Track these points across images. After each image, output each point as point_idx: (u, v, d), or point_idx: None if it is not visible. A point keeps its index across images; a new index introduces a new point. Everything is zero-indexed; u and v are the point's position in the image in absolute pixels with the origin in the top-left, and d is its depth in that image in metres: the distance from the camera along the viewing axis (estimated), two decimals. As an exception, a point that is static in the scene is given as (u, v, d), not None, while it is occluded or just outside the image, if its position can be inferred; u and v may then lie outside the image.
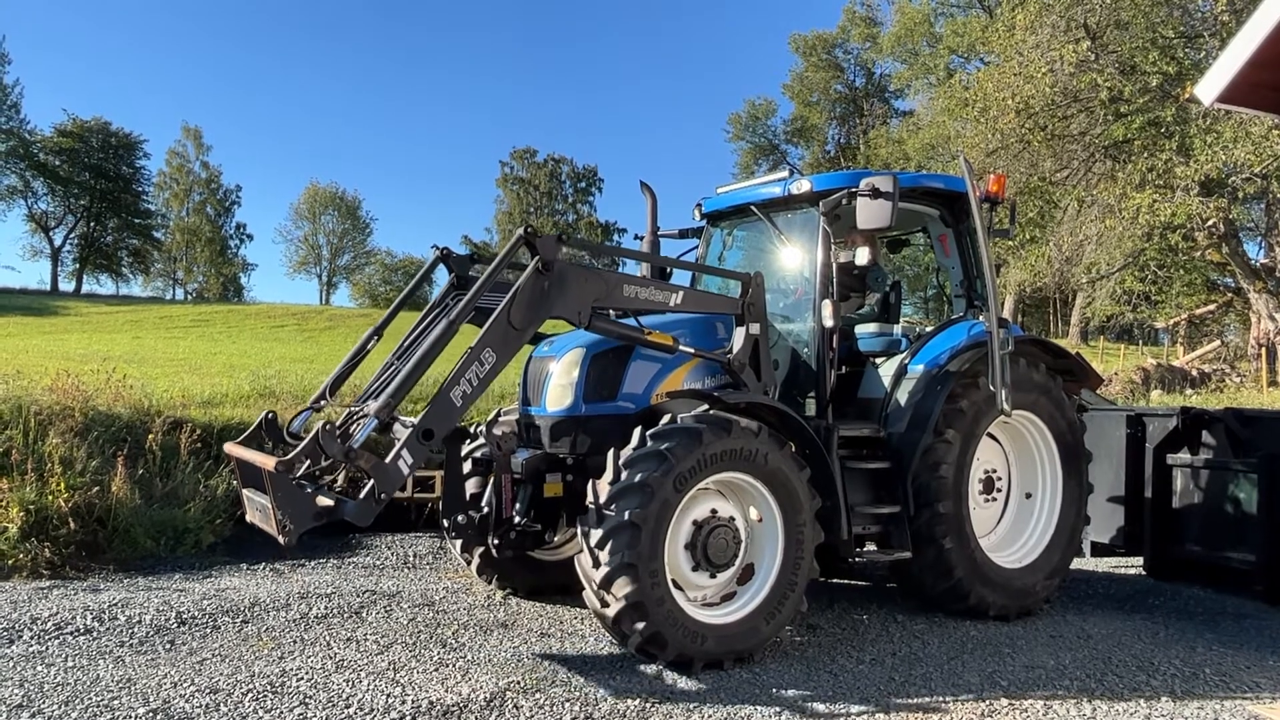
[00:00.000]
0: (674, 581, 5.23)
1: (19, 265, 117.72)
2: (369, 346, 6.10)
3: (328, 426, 4.76)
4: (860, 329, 6.98)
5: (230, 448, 5.47)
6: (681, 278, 7.15)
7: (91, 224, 68.06)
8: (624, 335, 5.81)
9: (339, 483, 5.37)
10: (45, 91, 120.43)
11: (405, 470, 4.91)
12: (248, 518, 5.31)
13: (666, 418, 5.42)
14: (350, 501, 4.86)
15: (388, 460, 4.87)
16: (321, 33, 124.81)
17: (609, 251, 5.59)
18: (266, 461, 4.75)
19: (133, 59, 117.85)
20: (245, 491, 5.29)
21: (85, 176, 66.23)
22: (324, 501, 4.85)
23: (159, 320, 35.60)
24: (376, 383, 5.69)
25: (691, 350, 6.00)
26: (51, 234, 67.18)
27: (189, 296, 73.34)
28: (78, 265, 68.44)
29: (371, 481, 4.82)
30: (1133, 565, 8.61)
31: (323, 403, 5.88)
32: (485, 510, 5.81)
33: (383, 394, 5.19)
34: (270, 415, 5.55)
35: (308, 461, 4.83)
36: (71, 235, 68.28)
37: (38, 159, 64.02)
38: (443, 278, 6.32)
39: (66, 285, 65.52)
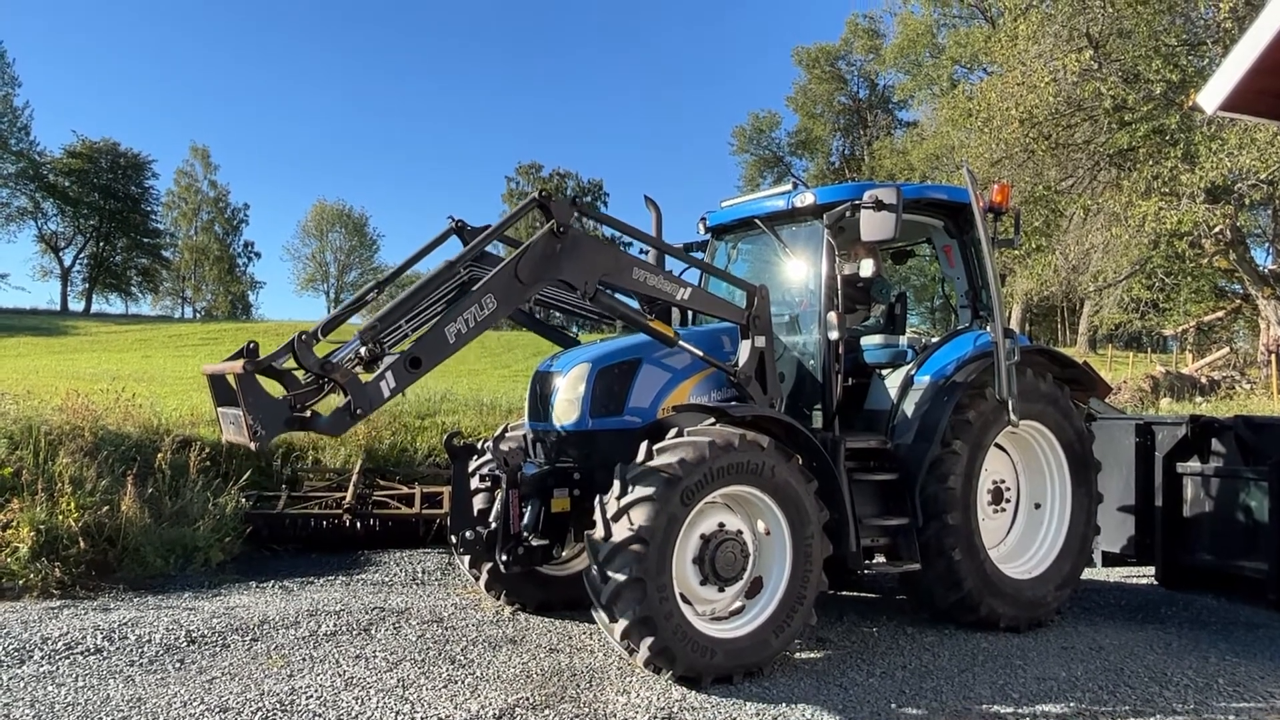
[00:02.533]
0: (682, 596, 5.22)
1: (29, 285, 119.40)
2: (368, 298, 6.08)
3: (303, 337, 4.66)
4: (866, 340, 6.98)
5: (205, 366, 5.30)
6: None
7: (101, 244, 68.69)
8: (624, 315, 5.82)
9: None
10: (55, 113, 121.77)
11: (386, 393, 4.83)
12: (224, 437, 5.11)
13: (673, 431, 5.41)
14: (324, 416, 4.79)
15: (370, 380, 4.80)
16: (328, 50, 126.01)
17: (620, 226, 5.59)
18: (235, 366, 4.62)
19: (141, 80, 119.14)
20: (219, 410, 5.07)
21: (94, 197, 66.88)
22: (298, 414, 4.75)
23: (168, 339, 35.70)
24: None
25: (700, 353, 5.98)
26: (61, 254, 67.80)
27: (198, 315, 73.66)
28: (87, 285, 69.01)
29: (348, 397, 4.76)
30: (1144, 575, 8.56)
31: (312, 342, 5.80)
32: (493, 526, 5.83)
33: (371, 318, 5.13)
34: (252, 344, 5.13)
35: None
36: (81, 255, 68.92)
37: (48, 180, 64.69)
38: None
39: (76, 305, 66.09)
